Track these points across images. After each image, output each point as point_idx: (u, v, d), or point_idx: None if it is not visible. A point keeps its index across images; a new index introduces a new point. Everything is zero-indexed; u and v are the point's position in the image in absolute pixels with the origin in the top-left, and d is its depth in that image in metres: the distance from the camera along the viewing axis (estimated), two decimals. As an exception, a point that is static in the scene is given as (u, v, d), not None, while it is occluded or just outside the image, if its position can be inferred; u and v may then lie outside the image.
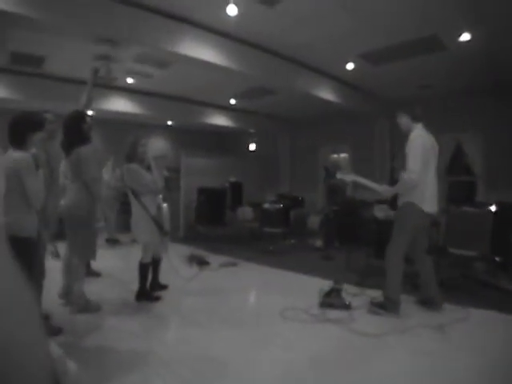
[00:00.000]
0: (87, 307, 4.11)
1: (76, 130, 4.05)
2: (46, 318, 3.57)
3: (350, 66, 7.21)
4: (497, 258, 5.64)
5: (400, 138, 9.46)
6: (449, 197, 7.95)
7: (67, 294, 4.25)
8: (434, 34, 5.76)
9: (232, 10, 4.99)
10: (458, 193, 8.27)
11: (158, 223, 4.59)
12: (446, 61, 6.75)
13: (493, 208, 5.58)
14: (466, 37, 5.68)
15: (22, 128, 2.98)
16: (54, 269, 4.50)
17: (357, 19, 5.49)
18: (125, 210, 8.12)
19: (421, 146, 3.99)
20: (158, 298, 4.66)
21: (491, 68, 7.04)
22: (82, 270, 4.18)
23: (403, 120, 4.28)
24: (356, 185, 5.27)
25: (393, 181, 4.34)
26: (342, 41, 6.21)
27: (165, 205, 5.25)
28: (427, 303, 4.23)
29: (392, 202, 4.55)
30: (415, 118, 4.20)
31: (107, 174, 8.32)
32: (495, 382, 2.72)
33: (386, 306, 4.08)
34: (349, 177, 4.62)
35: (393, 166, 4.36)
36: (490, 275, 5.23)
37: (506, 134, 7.81)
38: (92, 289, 4.84)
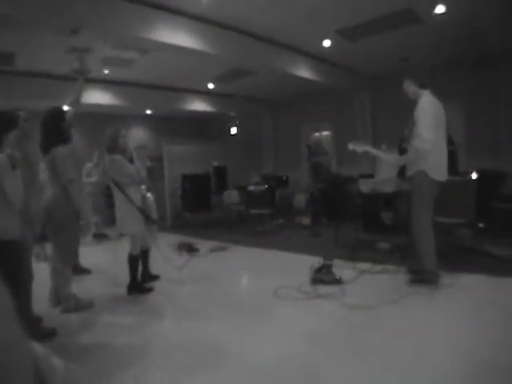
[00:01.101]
0: (79, 306, 4.07)
1: (54, 129, 3.89)
2: (38, 320, 3.53)
3: (326, 43, 7.15)
4: (480, 224, 5.76)
5: (382, 111, 9.65)
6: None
7: (56, 297, 4.19)
8: (409, 7, 5.72)
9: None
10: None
11: (144, 213, 4.55)
12: (423, 34, 6.72)
13: (474, 176, 5.65)
14: (440, 9, 5.65)
15: None
16: (41, 271, 4.46)
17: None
18: (110, 203, 8.08)
19: (431, 112, 3.90)
20: (150, 290, 4.65)
21: (469, 40, 7.02)
22: (68, 272, 4.10)
23: (410, 87, 4.19)
24: (365, 155, 5.18)
25: (401, 150, 4.29)
26: (317, 18, 6.14)
27: (149, 194, 5.19)
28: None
29: (400, 172, 4.48)
30: (422, 85, 4.12)
31: (93, 170, 8.21)
32: (490, 345, 2.78)
33: (425, 279, 4.02)
34: (360, 148, 4.49)
35: (403, 147, 4.30)
36: (475, 241, 5.33)
37: (484, 103, 7.87)
38: (83, 286, 4.83)
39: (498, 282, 4.11)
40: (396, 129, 9.24)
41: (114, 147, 4.47)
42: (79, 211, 3.91)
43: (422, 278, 4.08)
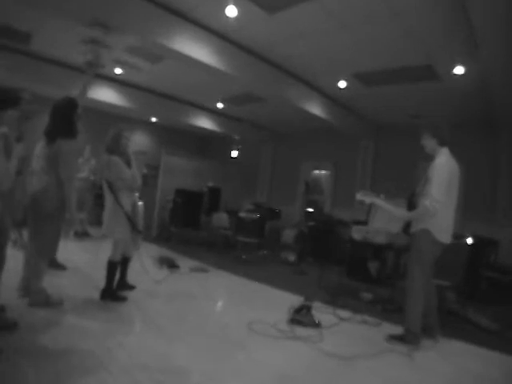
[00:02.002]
0: (48, 302, 3.90)
1: (65, 119, 3.82)
2: (1, 310, 3.37)
3: (342, 84, 7.21)
4: (466, 290, 5.70)
5: (383, 161, 9.68)
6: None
7: (26, 287, 4.03)
8: (429, 64, 5.80)
9: (231, 12, 4.91)
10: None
11: (131, 221, 4.43)
12: (438, 91, 6.82)
13: (469, 241, 5.61)
14: (459, 70, 5.72)
15: None
16: (16, 258, 4.31)
17: (355, 39, 5.50)
18: (98, 203, 7.93)
19: (446, 173, 3.80)
20: (123, 299, 4.48)
21: (481, 104, 7.11)
22: (42, 265, 3.95)
23: (430, 142, 4.06)
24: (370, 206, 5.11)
25: (411, 205, 4.20)
26: (337, 58, 6.21)
27: (140, 203, 5.08)
28: (425, 331, 4.04)
29: (405, 227, 4.40)
30: (442, 142, 4.00)
31: (82, 164, 8.12)
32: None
33: (405, 339, 3.90)
34: (368, 198, 4.39)
35: (412, 201, 4.22)
36: (459, 306, 5.24)
37: (486, 168, 7.92)
38: (55, 282, 4.65)
39: (478, 351, 4.01)
40: (395, 180, 9.39)
41: (115, 148, 4.38)
42: (67, 207, 3.80)
43: (402, 336, 3.96)
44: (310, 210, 9.69)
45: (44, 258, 4.01)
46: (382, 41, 5.43)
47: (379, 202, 4.35)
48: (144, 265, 5.08)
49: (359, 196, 4.49)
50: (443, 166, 3.84)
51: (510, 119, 7.48)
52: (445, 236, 3.91)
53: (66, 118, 3.84)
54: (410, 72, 6.20)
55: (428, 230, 3.85)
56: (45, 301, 3.88)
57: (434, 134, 4.05)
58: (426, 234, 3.87)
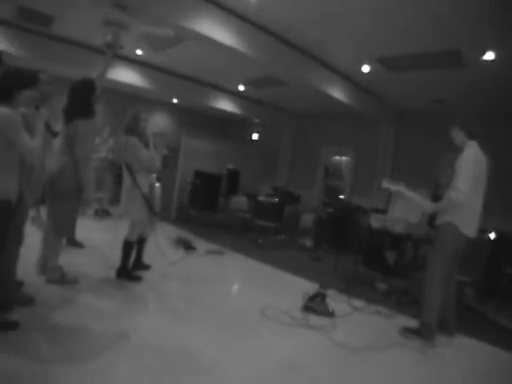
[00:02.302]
0: (63, 280, 3.96)
1: (82, 100, 3.83)
2: (19, 285, 3.45)
3: (365, 68, 7.04)
4: (486, 286, 5.58)
5: (404, 150, 9.50)
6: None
7: (44, 265, 4.10)
8: (457, 49, 5.59)
9: (253, -8, 4.82)
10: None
11: (148, 202, 4.44)
12: (465, 78, 6.59)
13: (492, 236, 5.47)
14: (490, 56, 5.50)
15: (10, 82, 2.71)
16: (36, 235, 4.38)
17: (380, 22, 5.32)
18: (118, 182, 8.01)
19: (473, 166, 3.74)
20: (138, 278, 4.54)
21: (508, 95, 6.86)
22: (59, 244, 4.02)
23: (458, 135, 4.01)
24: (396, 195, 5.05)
25: (435, 197, 4.13)
26: (361, 41, 6.04)
27: (158, 184, 5.08)
28: (441, 327, 3.97)
29: (430, 220, 4.32)
30: (471, 135, 3.94)
31: (100, 144, 8.17)
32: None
33: (420, 332, 3.86)
34: (394, 187, 4.32)
35: (436, 194, 4.14)
36: (478, 302, 5.15)
37: (505, 163, 7.67)
38: (73, 260, 4.72)
39: (493, 351, 3.93)
40: (416, 170, 9.22)
41: (133, 129, 4.38)
42: (84, 187, 3.83)
43: (416, 329, 3.91)
44: (328, 197, 9.56)
45: (61, 236, 4.08)
46: (408, 24, 5.23)
47: (405, 191, 4.26)
48: (159, 246, 5.10)
49: (385, 184, 4.43)
50: (470, 159, 3.76)
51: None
52: (469, 229, 3.83)
53: (83, 99, 3.85)
54: (437, 57, 5.99)
55: (452, 222, 3.79)
56: (61, 278, 3.95)
57: (461, 126, 3.99)
58: (450, 226, 3.80)
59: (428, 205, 4.15)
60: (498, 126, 7.61)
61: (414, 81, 7.21)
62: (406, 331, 3.97)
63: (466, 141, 3.94)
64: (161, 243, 5.28)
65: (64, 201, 3.80)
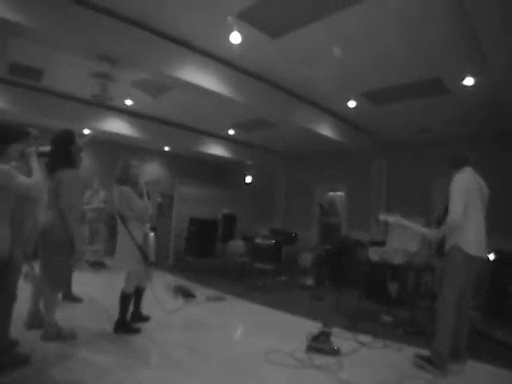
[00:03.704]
0: (60, 335, 3.85)
1: (62, 151, 3.86)
2: (13, 345, 3.34)
3: (351, 103, 7.19)
4: (492, 308, 5.49)
5: (397, 180, 9.55)
6: (443, 241, 7.79)
7: (33, 320, 4.01)
8: (438, 77, 5.76)
9: (235, 38, 4.96)
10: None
11: (143, 252, 4.39)
12: (448, 104, 6.75)
13: (491, 257, 5.43)
14: (469, 81, 5.66)
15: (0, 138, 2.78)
16: (28, 290, 4.29)
17: (362, 58, 5.50)
18: (113, 233, 7.97)
19: (462, 187, 3.84)
20: (137, 331, 4.41)
21: (494, 116, 7.00)
22: (54, 299, 3.93)
23: (452, 171, 4.11)
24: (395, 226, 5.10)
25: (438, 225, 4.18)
26: (344, 78, 6.20)
27: (152, 234, 5.04)
28: (453, 354, 3.86)
29: (438, 249, 4.34)
30: (464, 162, 4.07)
31: (90, 196, 8.18)
32: None
33: (432, 360, 3.76)
34: (392, 218, 4.38)
35: (440, 222, 4.22)
36: (485, 325, 5.05)
37: (502, 180, 7.71)
38: (70, 315, 4.61)
39: (508, 375, 3.81)
40: (410, 198, 9.24)
41: (124, 179, 4.40)
42: (73, 238, 3.79)
43: (429, 357, 3.81)
44: (326, 233, 9.53)
45: (56, 290, 4.00)
46: (389, 58, 5.42)
47: (403, 221, 4.30)
48: (157, 296, 5.00)
49: (382, 216, 4.50)
50: (457, 183, 3.87)
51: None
52: (476, 248, 3.82)
53: (63, 150, 3.88)
54: (419, 86, 6.16)
55: (458, 245, 3.80)
56: (57, 334, 3.84)
57: (454, 158, 4.16)
58: (456, 250, 3.81)
59: (428, 232, 4.20)
60: (488, 148, 7.72)
61: (400, 111, 7.37)
62: (419, 359, 3.87)
63: (457, 170, 4.04)
64: (159, 292, 5.18)
65: (55, 253, 3.74)
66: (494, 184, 7.92)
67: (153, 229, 5.25)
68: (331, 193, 11.40)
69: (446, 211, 4.03)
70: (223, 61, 5.95)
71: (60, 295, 4.78)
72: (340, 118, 8.30)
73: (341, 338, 4.47)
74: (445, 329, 3.77)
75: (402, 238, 5.79)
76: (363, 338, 4.63)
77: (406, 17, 4.44)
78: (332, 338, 4.20)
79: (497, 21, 3.98)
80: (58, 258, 3.76)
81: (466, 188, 3.84)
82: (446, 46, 4.90)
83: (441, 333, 3.79)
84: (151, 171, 12.60)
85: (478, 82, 5.68)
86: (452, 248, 3.86)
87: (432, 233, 4.19)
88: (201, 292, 6.71)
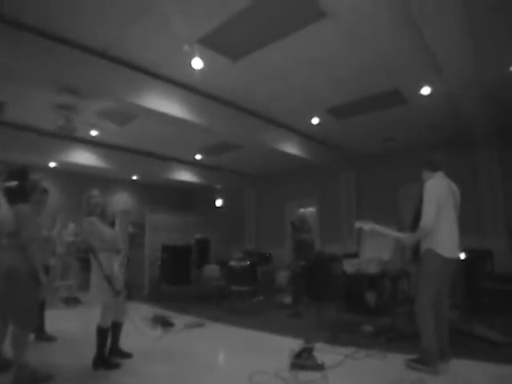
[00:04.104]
0: (34, 378, 3.68)
1: (16, 188, 3.86)
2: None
3: (315, 120, 7.32)
4: (468, 304, 5.63)
5: (365, 190, 9.73)
6: (418, 246, 7.95)
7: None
8: (396, 88, 5.96)
9: (197, 64, 5.01)
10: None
11: (110, 283, 4.28)
12: (408, 114, 6.97)
13: (462, 256, 5.57)
14: (426, 90, 5.89)
15: None
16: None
17: (322, 76, 5.63)
18: (85, 267, 7.78)
19: (434, 193, 3.98)
20: (116, 366, 4.27)
21: (451, 121, 7.28)
22: (24, 339, 3.76)
23: (425, 174, 4.28)
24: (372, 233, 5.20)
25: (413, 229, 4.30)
26: (306, 96, 6.33)
27: (116, 263, 4.89)
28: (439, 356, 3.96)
29: (414, 254, 4.45)
30: (435, 168, 4.21)
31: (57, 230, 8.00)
32: None
33: (423, 361, 3.86)
34: (367, 226, 4.53)
35: (414, 226, 4.35)
36: (465, 322, 5.15)
37: (468, 182, 7.99)
38: (44, 355, 4.45)
39: (490, 368, 3.87)
40: (379, 207, 9.41)
41: (90, 210, 4.36)
42: (37, 271, 3.70)
43: (419, 358, 3.90)
44: (300, 250, 9.57)
45: (25, 329, 3.83)
46: (349, 74, 5.58)
47: (378, 227, 4.46)
48: (137, 325, 4.86)
49: (358, 224, 4.64)
50: (429, 188, 4.03)
51: (481, 134, 7.67)
52: (449, 250, 3.97)
53: (15, 187, 3.88)
54: (379, 99, 6.36)
55: (431, 249, 3.94)
56: (30, 377, 3.66)
57: (425, 166, 4.28)
58: (431, 253, 3.95)
59: (402, 237, 4.34)
60: (452, 153, 8.01)
61: (363, 124, 7.56)
62: (411, 362, 3.94)
63: (430, 174, 4.20)
64: (137, 323, 5.06)
65: (21, 290, 3.63)
66: (461, 185, 8.25)
67: (128, 259, 5.15)
68: (302, 209, 11.47)
69: (416, 217, 4.15)
70: (187, 87, 5.99)
71: (32, 335, 4.60)
72: (305, 135, 8.43)
73: (324, 353, 4.44)
74: (427, 330, 3.88)
75: (374, 247, 5.88)
76: (346, 350, 4.63)
77: (361, 33, 4.60)
78: (315, 354, 4.18)
79: (446, 29, 4.18)
80: (25, 294, 3.65)
81: (438, 194, 3.99)
82: (402, 58, 5.10)
83: (424, 334, 3.89)
84: (120, 201, 12.42)
85: (434, 91, 5.91)
86: (426, 252, 3.99)
87: (407, 238, 4.31)
88: (179, 320, 6.58)
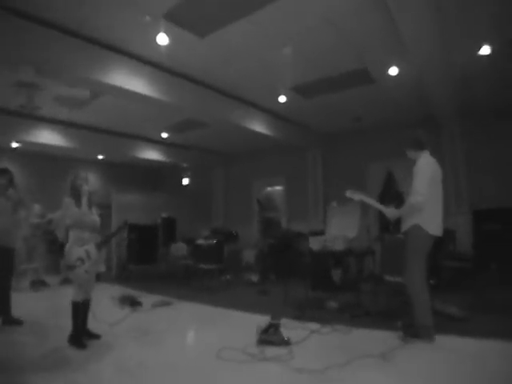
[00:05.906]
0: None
1: None
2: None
3: (282, 98, 7.31)
4: (431, 281, 5.80)
5: (333, 169, 9.83)
6: (382, 225, 8.14)
7: None
8: (364, 68, 5.99)
9: (163, 40, 4.91)
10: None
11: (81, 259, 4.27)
12: (376, 94, 7.04)
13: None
14: (394, 71, 5.95)
15: None
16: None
17: (289, 53, 5.59)
18: (52, 249, 7.62)
19: (428, 171, 4.09)
20: (84, 346, 4.25)
21: (420, 103, 7.41)
22: None
23: (410, 153, 4.37)
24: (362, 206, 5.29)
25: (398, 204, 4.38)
26: (273, 74, 6.30)
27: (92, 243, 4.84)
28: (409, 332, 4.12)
29: (395, 226, 4.55)
30: (421, 146, 4.29)
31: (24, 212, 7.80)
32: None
33: (419, 334, 3.99)
34: (357, 196, 4.64)
35: (397, 201, 4.45)
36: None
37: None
38: (11, 340, 4.36)
39: (452, 341, 4.05)
40: (347, 186, 9.49)
41: (71, 190, 4.45)
42: None
43: (416, 332, 4.03)
44: (267, 228, 9.67)
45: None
46: (316, 51, 5.57)
47: (367, 199, 4.60)
48: (94, 312, 4.77)
49: (348, 194, 4.72)
50: (424, 166, 4.13)
51: (446, 115, 7.84)
52: (435, 228, 4.10)
53: None
54: (347, 77, 6.39)
55: (419, 225, 4.04)
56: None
57: (411, 145, 4.36)
58: (417, 229, 4.06)
59: (392, 211, 4.40)
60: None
61: (330, 102, 7.59)
62: (406, 335, 4.09)
63: (417, 153, 4.29)
64: (105, 304, 5.02)
65: None
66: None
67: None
68: (269, 188, 11.53)
69: (396, 193, 4.27)
70: (151, 63, 5.86)
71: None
72: (272, 113, 8.42)
73: (290, 329, 4.52)
74: (421, 303, 4.04)
75: (340, 225, 5.98)
76: (312, 325, 4.73)
77: (331, 9, 4.59)
78: (281, 329, 4.26)
79: (414, 9, 4.20)
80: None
81: (431, 172, 4.11)
82: (370, 37, 5.13)
83: (419, 307, 4.04)
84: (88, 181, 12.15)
85: (402, 71, 5.98)
86: (413, 227, 4.09)
87: (392, 211, 4.39)
88: (147, 299, 6.56)
